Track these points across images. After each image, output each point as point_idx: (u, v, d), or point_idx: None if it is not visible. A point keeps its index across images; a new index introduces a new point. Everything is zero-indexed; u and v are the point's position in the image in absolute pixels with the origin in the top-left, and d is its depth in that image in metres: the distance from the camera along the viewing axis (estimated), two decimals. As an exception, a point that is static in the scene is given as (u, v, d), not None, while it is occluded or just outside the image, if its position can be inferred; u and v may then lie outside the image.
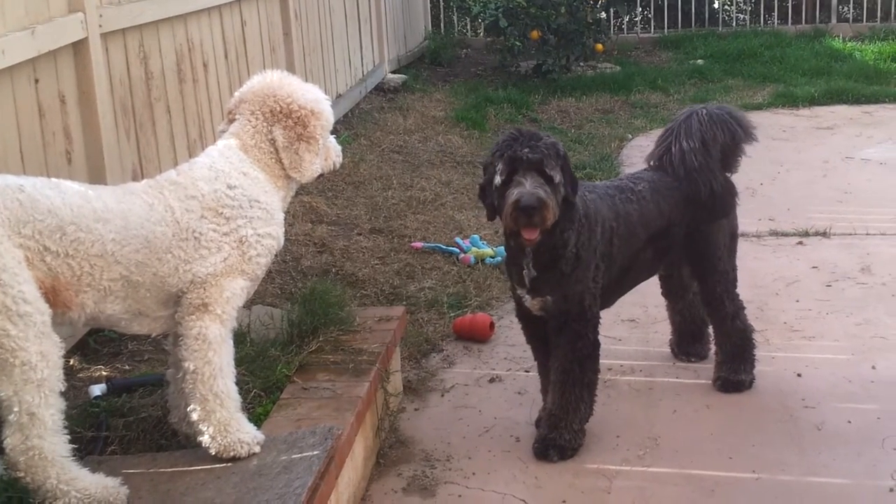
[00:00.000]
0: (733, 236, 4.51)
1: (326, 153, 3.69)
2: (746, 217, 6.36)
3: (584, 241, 3.90)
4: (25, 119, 4.05)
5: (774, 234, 6.58)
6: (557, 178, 3.72)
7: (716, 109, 4.37)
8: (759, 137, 4.48)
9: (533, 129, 4.03)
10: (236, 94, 3.63)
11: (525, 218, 3.67)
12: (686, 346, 4.80)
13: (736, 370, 4.49)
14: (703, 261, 4.41)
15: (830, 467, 3.90)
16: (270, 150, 3.50)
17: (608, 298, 4.23)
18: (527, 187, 3.67)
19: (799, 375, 4.63)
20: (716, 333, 4.55)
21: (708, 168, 4.27)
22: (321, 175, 3.70)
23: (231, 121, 3.59)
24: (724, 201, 4.36)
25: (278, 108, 3.50)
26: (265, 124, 3.50)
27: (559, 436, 4.00)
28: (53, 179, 3.16)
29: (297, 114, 3.50)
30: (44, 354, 2.90)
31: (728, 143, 4.35)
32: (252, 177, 3.44)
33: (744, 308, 4.53)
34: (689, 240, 4.36)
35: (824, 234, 6.49)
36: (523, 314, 4.15)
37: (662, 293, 4.75)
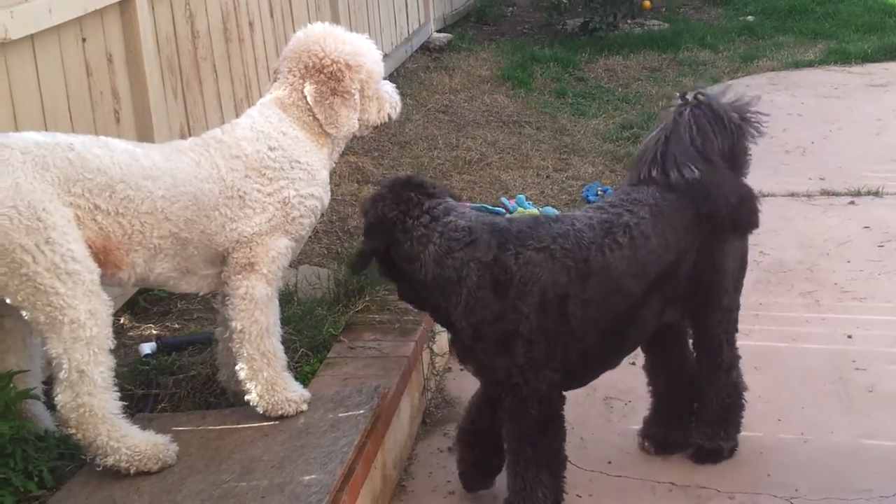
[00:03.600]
0: (743, 263, 3.64)
1: (379, 104, 3.61)
2: (797, 176, 6.28)
3: (486, 317, 3.14)
4: (73, 78, 4.07)
5: (825, 193, 6.45)
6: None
7: (705, 103, 3.50)
8: (763, 130, 3.61)
9: (412, 179, 3.34)
10: (283, 51, 3.62)
11: None
12: None
13: (714, 436, 3.69)
14: (704, 293, 3.51)
15: (881, 430, 3.86)
16: (308, 107, 3.46)
17: (591, 373, 3.51)
18: None
19: (849, 337, 4.57)
20: (704, 386, 3.66)
21: (714, 176, 3.41)
22: (376, 126, 3.65)
23: (275, 79, 3.58)
24: (745, 211, 3.50)
25: (311, 64, 3.46)
26: (300, 81, 3.47)
27: None
28: (102, 138, 3.19)
29: (330, 69, 3.44)
30: (93, 312, 2.93)
31: (728, 140, 3.50)
32: (292, 136, 3.42)
33: (740, 359, 3.72)
34: (692, 267, 3.46)
35: (877, 194, 6.37)
36: None
37: None
